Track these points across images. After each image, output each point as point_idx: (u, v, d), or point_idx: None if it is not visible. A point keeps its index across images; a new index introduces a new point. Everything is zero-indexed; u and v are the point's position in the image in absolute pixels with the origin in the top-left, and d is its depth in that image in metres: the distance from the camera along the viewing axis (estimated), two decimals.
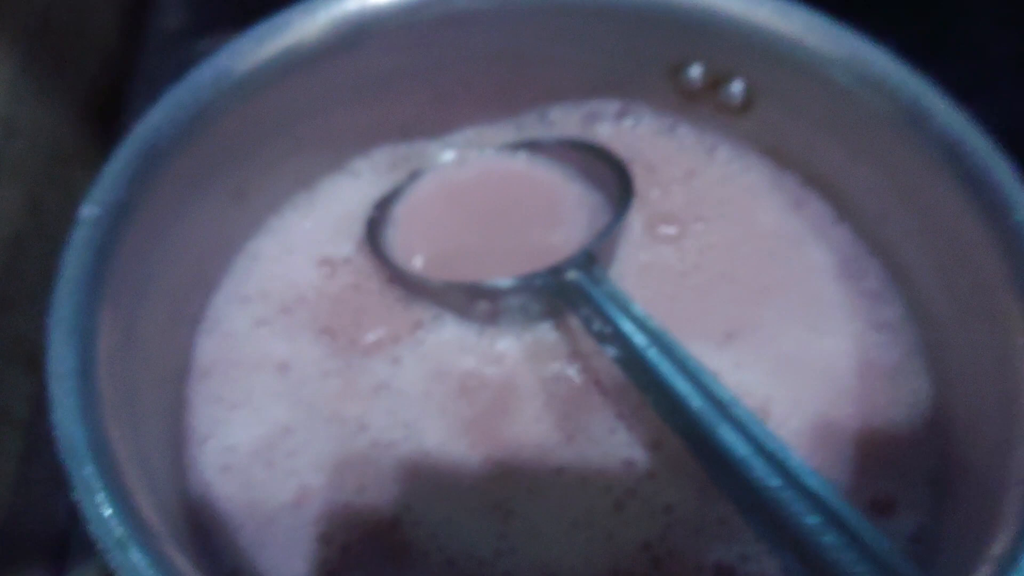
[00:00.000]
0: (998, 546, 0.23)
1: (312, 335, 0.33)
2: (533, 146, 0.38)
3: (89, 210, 0.26)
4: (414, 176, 0.38)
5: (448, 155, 0.38)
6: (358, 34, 0.32)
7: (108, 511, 0.21)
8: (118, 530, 0.21)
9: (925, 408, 0.30)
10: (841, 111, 0.32)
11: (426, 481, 0.31)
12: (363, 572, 0.29)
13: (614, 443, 0.31)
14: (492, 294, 0.32)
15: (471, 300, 0.32)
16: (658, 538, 0.29)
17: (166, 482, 0.28)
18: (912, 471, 0.29)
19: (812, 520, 0.22)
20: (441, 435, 0.32)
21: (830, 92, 0.32)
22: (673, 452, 0.30)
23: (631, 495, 0.30)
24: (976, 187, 0.28)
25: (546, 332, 0.34)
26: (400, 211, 0.37)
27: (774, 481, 0.23)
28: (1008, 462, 0.25)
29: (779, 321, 0.33)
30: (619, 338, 0.28)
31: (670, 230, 0.36)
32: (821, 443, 0.30)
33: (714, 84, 0.35)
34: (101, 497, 0.21)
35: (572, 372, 0.33)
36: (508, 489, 0.30)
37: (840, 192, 0.34)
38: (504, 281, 0.31)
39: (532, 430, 0.32)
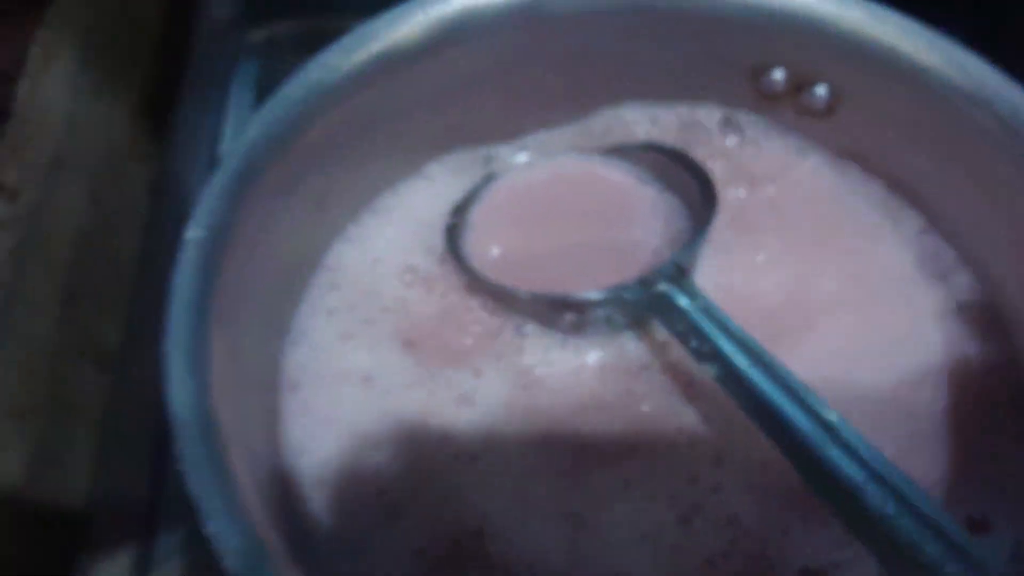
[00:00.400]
0: None
1: (396, 346, 0.33)
2: (606, 148, 0.38)
3: (194, 232, 0.26)
4: (488, 179, 0.38)
5: (521, 158, 0.38)
6: (446, 39, 0.32)
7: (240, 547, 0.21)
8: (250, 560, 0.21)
9: (1019, 422, 0.30)
10: (932, 119, 0.31)
11: (505, 491, 0.31)
12: None
13: (680, 457, 0.31)
14: (580, 306, 0.32)
15: (558, 311, 0.32)
16: (722, 554, 0.29)
17: (273, 497, 0.28)
18: (1006, 487, 0.29)
19: (932, 549, 0.22)
20: (521, 445, 0.32)
21: (921, 99, 0.31)
22: (735, 466, 0.31)
23: (696, 510, 0.30)
24: None
25: (628, 342, 0.34)
26: (476, 215, 0.37)
27: (890, 508, 0.23)
28: None
29: (862, 334, 0.33)
30: (719, 358, 0.28)
31: (749, 238, 0.35)
32: (908, 462, 0.30)
33: (797, 88, 0.35)
34: (236, 540, 0.21)
35: (648, 385, 0.33)
36: (580, 499, 0.31)
37: (928, 201, 0.34)
38: (594, 294, 0.31)
39: (605, 441, 0.32)
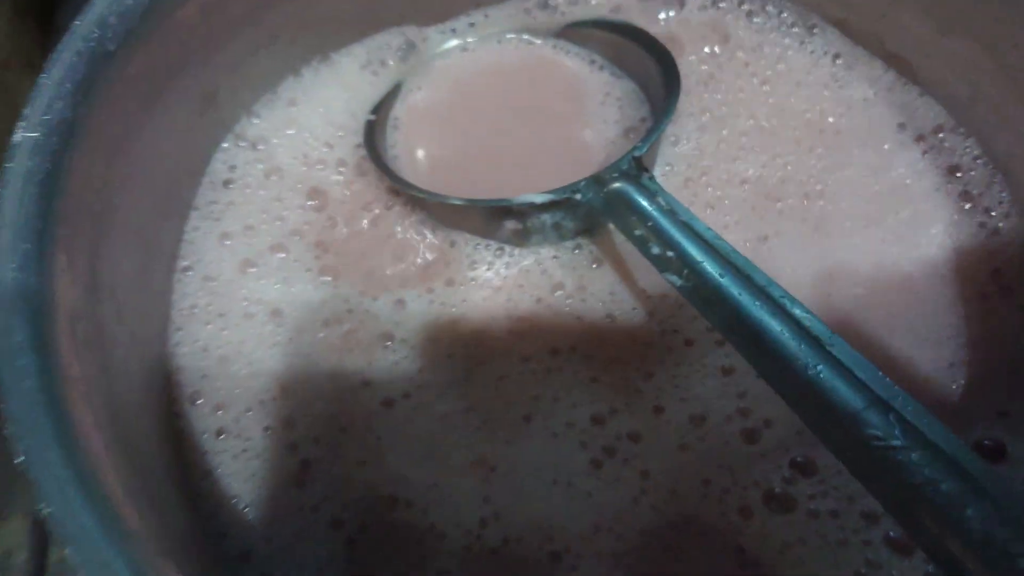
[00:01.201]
0: None
1: (310, 275, 0.28)
2: (552, 29, 0.33)
3: (24, 135, 0.21)
4: (414, 71, 0.32)
5: (452, 43, 0.33)
6: None
7: (91, 527, 0.16)
8: (107, 553, 0.16)
9: None
10: None
11: (418, 441, 0.27)
12: (372, 557, 0.25)
13: (591, 393, 0.27)
14: (522, 212, 0.27)
15: (497, 220, 0.28)
16: (631, 501, 0.25)
17: (155, 450, 0.23)
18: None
19: (949, 487, 0.18)
20: (441, 386, 0.27)
21: None
22: (651, 409, 0.26)
23: (609, 454, 0.26)
24: None
25: (572, 253, 0.29)
26: (401, 111, 0.31)
27: (896, 439, 0.19)
28: None
29: (851, 227, 0.29)
30: (685, 265, 0.23)
31: (720, 125, 0.31)
32: (908, 373, 0.26)
33: None
34: (80, 511, 0.16)
35: (593, 302, 0.28)
36: (487, 441, 0.27)
37: (921, 70, 0.29)
38: (538, 196, 0.26)
39: (517, 371, 0.28)
